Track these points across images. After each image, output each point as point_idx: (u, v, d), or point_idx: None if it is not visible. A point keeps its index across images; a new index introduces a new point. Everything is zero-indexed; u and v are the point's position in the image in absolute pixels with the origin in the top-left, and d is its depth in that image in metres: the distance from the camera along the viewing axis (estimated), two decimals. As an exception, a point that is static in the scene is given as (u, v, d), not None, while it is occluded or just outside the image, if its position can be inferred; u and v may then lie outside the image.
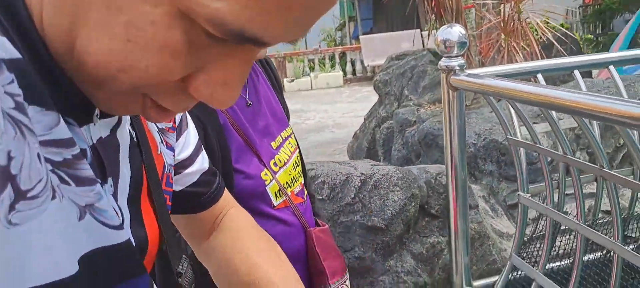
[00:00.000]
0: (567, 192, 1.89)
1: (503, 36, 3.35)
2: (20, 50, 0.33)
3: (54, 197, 0.33)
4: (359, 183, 2.18)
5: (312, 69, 13.21)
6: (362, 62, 13.03)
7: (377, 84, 5.13)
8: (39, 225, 0.31)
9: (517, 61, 3.36)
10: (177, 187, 0.67)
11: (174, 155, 0.63)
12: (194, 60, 0.35)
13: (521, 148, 1.94)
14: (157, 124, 0.59)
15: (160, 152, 0.58)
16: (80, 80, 0.37)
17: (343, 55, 13.64)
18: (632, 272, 1.86)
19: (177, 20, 0.32)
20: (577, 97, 1.41)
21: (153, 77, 0.34)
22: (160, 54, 0.33)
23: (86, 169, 0.36)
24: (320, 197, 2.19)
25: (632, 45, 4.52)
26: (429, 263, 2.32)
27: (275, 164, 1.33)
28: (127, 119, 0.49)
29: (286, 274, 0.70)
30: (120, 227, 0.39)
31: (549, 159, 2.02)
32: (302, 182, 1.44)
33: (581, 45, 6.11)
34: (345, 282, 1.45)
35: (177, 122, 0.65)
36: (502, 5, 3.47)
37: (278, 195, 1.32)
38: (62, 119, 0.35)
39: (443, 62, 2.01)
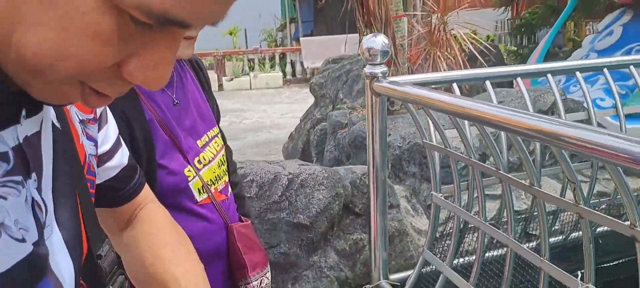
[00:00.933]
0: (486, 193, 2.06)
1: (430, 46, 3.54)
2: None
3: None
4: (286, 182, 2.27)
5: (252, 68, 13.19)
6: (302, 63, 13.15)
7: (313, 86, 5.24)
8: None
9: (441, 70, 3.57)
10: (97, 181, 0.70)
11: (96, 147, 0.68)
12: (125, 46, 0.39)
13: (435, 152, 2.10)
14: (79, 116, 0.64)
15: (82, 142, 0.63)
16: (18, 73, 0.40)
17: (283, 56, 13.70)
18: (528, 268, 2.04)
19: (107, 10, 0.36)
20: (476, 106, 1.57)
21: (88, 63, 0.38)
22: (93, 41, 0.37)
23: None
24: (249, 195, 2.25)
25: (547, 57, 4.89)
26: (351, 258, 2.44)
27: (199, 162, 1.38)
28: (52, 113, 0.54)
29: (189, 269, 0.75)
30: (23, 241, 0.44)
31: (462, 164, 2.20)
32: (227, 180, 1.50)
33: (505, 57, 6.52)
34: (265, 274, 1.52)
35: (98, 114, 0.69)
36: (430, 17, 3.67)
37: (201, 191, 1.36)
38: None
39: (367, 69, 2.14)
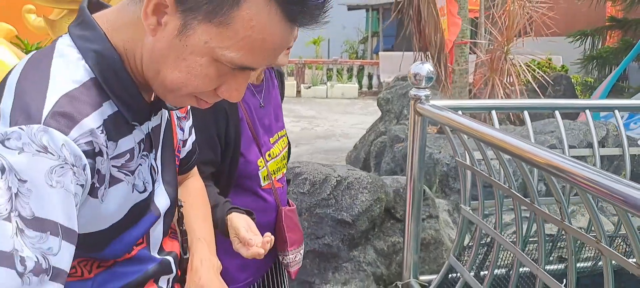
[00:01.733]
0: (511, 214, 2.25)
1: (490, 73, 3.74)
2: (120, 98, 0.72)
3: (118, 182, 0.74)
4: (335, 183, 2.60)
5: (330, 78, 13.65)
6: (378, 77, 13.44)
7: (380, 101, 5.55)
8: (110, 195, 0.72)
9: (498, 96, 3.76)
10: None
11: (183, 133, 1.06)
12: (220, 79, 0.73)
13: (466, 170, 2.35)
14: (177, 114, 1.00)
15: (177, 131, 1.00)
16: (160, 91, 0.75)
17: (362, 68, 14.05)
18: None
19: (212, 62, 0.68)
20: (495, 135, 1.81)
21: (200, 88, 0.72)
22: (204, 78, 0.70)
23: (134, 163, 0.75)
24: (302, 191, 2.61)
25: (613, 93, 4.88)
26: (388, 258, 2.73)
27: (269, 155, 1.75)
28: (165, 113, 0.91)
29: (202, 225, 1.07)
30: (145, 191, 0.80)
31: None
32: (284, 172, 1.87)
33: (577, 89, 6.48)
34: (300, 251, 1.87)
35: (187, 114, 1.07)
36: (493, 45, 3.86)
37: (265, 178, 1.73)
38: (125, 137, 0.72)
39: (412, 91, 2.43)
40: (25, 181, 0.60)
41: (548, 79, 4.96)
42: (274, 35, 0.68)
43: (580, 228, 1.72)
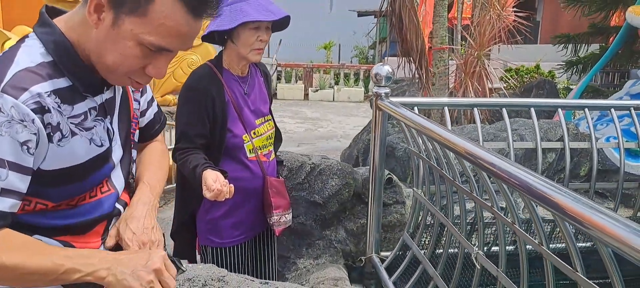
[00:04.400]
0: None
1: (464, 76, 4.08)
2: (74, 74, 0.98)
3: (75, 134, 1.05)
4: (309, 169, 2.97)
5: (337, 82, 14.03)
6: (385, 81, 13.77)
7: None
8: (68, 144, 1.03)
9: (471, 97, 4.10)
10: (141, 125, 1.33)
11: (139, 104, 1.30)
12: (146, 59, 1.02)
13: (417, 157, 2.70)
14: (131, 88, 1.25)
15: (132, 101, 1.31)
16: (103, 72, 1.04)
17: (368, 72, 14.41)
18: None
19: (138, 45, 0.94)
20: (433, 128, 2.15)
21: (131, 68, 1.03)
22: (134, 58, 0.96)
23: (89, 122, 1.07)
24: (281, 176, 2.98)
25: (587, 95, 5.17)
26: (357, 237, 3.08)
27: (254, 133, 2.15)
28: (120, 89, 1.21)
29: (151, 176, 1.26)
30: (102, 146, 1.10)
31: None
32: (271, 149, 2.25)
33: (562, 93, 6.77)
34: (285, 215, 2.24)
35: (141, 91, 1.32)
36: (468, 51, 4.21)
37: (251, 152, 2.14)
38: (79, 104, 1.03)
39: (374, 89, 2.79)
40: None
41: (530, 83, 5.27)
42: (182, 24, 0.96)
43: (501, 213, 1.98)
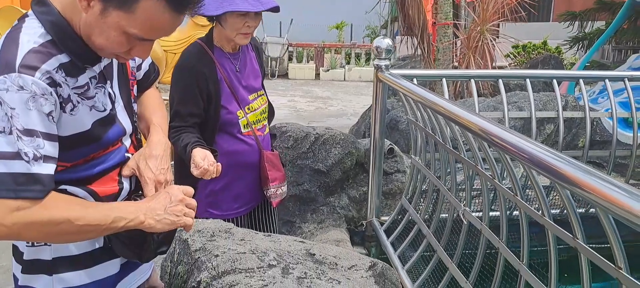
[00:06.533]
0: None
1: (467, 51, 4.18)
2: (71, 51, 1.10)
3: (79, 103, 1.20)
4: (313, 139, 3.12)
5: (348, 61, 14.10)
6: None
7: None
8: (78, 112, 1.18)
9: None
10: (138, 78, 1.49)
11: (135, 61, 1.43)
12: (130, 44, 1.14)
13: (415, 127, 2.84)
14: None
15: (130, 62, 1.45)
16: (93, 49, 1.17)
17: (379, 52, 14.43)
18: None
19: (124, 34, 1.05)
20: (430, 98, 2.27)
21: (116, 50, 1.14)
22: (119, 44, 1.07)
23: (91, 91, 1.21)
24: (286, 146, 3.14)
25: (591, 67, 5.23)
26: (359, 204, 3.24)
27: (248, 109, 2.26)
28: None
29: (159, 119, 1.41)
30: (105, 110, 1.25)
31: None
32: (265, 124, 2.36)
33: (568, 68, 6.81)
34: (281, 187, 2.36)
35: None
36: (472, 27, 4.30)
37: (246, 127, 2.25)
38: (81, 76, 1.18)
39: (375, 62, 2.92)
40: (13, 108, 1.00)
41: (536, 58, 5.35)
42: (164, 20, 1.07)
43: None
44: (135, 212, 1.17)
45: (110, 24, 1.07)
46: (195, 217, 1.67)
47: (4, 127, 1.00)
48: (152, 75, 1.52)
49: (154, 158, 1.31)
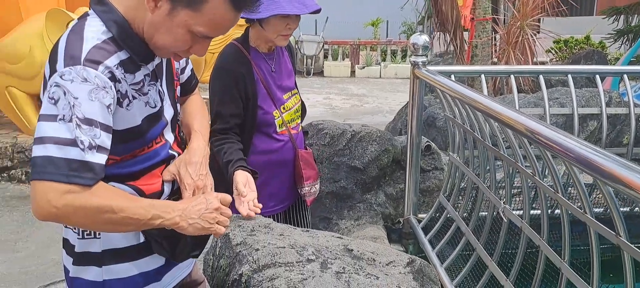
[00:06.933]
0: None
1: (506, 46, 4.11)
2: (131, 48, 1.22)
3: (135, 99, 1.26)
4: (350, 136, 3.14)
5: (384, 59, 14.03)
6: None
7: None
8: (132, 107, 1.25)
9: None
10: (181, 81, 1.56)
11: (179, 64, 1.49)
12: (192, 42, 1.23)
13: (453, 123, 2.81)
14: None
15: (174, 63, 1.50)
16: (152, 48, 1.25)
17: (415, 49, 14.30)
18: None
19: (189, 33, 1.20)
20: (469, 94, 2.25)
21: (180, 48, 1.23)
22: (183, 42, 1.19)
23: (146, 88, 1.28)
24: (323, 143, 3.17)
25: (635, 63, 5.05)
26: (396, 201, 3.24)
27: (283, 108, 2.30)
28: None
29: (201, 125, 1.53)
30: (155, 107, 1.31)
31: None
32: (299, 122, 2.40)
33: (611, 63, 6.58)
34: (315, 185, 2.39)
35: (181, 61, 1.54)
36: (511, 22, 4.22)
37: (281, 126, 2.28)
38: (137, 72, 1.24)
39: (412, 59, 2.92)
40: (77, 98, 1.06)
41: (579, 53, 5.21)
42: (227, 18, 1.16)
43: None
44: (172, 212, 1.23)
45: (177, 23, 1.14)
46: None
47: (64, 115, 1.06)
48: (193, 81, 1.59)
49: (193, 164, 1.36)
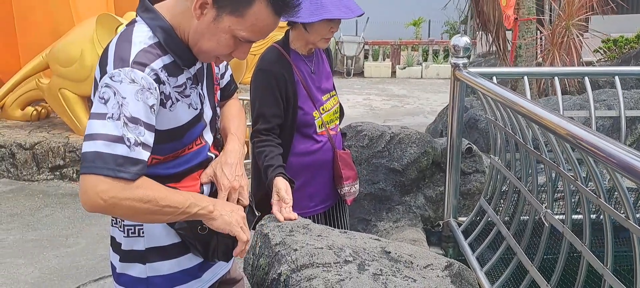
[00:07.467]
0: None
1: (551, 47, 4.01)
2: (175, 53, 1.29)
3: (178, 101, 1.31)
4: (389, 138, 3.14)
5: (425, 59, 13.90)
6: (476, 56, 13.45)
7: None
8: (175, 109, 1.31)
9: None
10: (221, 86, 1.61)
11: (219, 69, 1.55)
12: (235, 46, 1.29)
13: (495, 126, 2.78)
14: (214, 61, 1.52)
15: (215, 69, 1.54)
16: (196, 53, 1.32)
17: (458, 48, 14.10)
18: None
19: (232, 38, 1.26)
20: (509, 97, 2.22)
21: (223, 52, 1.29)
22: (227, 47, 1.26)
23: (188, 91, 1.34)
24: (362, 145, 3.18)
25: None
26: (436, 204, 3.22)
27: (323, 109, 2.34)
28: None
29: (237, 128, 1.58)
30: (196, 109, 1.37)
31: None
32: (337, 123, 2.44)
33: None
34: (354, 185, 2.41)
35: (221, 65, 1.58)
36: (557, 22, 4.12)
37: (320, 127, 2.32)
38: (180, 76, 1.30)
39: (452, 60, 2.90)
40: (124, 97, 1.13)
41: (629, 53, 5.02)
42: (269, 23, 1.22)
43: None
44: (207, 201, 1.31)
45: (222, 29, 1.21)
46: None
47: (113, 114, 1.13)
48: (232, 86, 1.65)
49: (229, 166, 1.42)
